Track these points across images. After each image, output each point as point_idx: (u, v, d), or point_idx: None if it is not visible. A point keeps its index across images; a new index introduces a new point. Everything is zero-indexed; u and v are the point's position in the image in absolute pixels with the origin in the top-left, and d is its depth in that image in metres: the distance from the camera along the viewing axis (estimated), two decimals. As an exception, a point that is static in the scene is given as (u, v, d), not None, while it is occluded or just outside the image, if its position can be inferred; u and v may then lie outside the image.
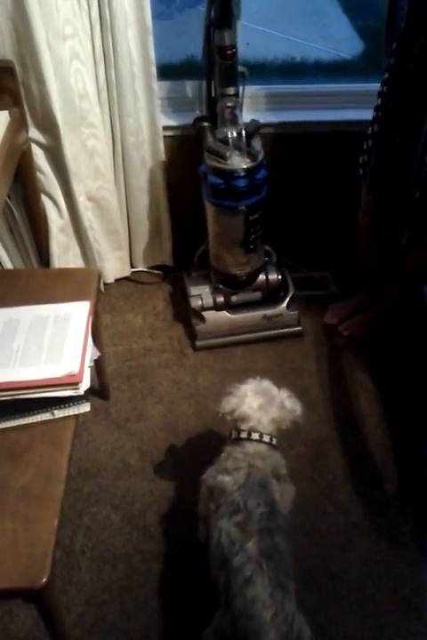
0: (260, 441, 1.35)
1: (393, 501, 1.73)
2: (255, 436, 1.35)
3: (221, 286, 2.14)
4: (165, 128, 2.06)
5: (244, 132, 1.83)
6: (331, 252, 2.43)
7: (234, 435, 1.38)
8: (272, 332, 2.17)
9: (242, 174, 1.81)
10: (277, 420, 1.38)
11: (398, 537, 1.66)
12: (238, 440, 1.36)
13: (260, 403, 1.37)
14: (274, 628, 1.09)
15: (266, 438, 1.35)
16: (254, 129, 1.88)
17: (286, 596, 1.13)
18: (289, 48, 2.65)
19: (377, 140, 1.78)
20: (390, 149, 1.73)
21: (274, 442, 1.37)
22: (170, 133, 2.12)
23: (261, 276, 2.17)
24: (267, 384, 1.43)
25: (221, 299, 2.14)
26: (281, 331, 2.16)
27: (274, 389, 1.42)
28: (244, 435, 1.35)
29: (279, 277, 2.19)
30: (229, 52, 1.76)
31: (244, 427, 1.36)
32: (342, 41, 2.91)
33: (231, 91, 1.83)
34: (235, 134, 1.83)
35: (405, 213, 1.75)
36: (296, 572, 1.24)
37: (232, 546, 1.18)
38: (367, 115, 1.80)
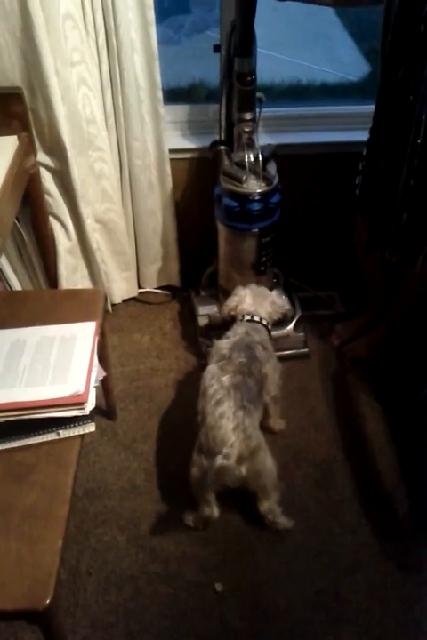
0: (258, 322, 1.71)
1: (402, 522, 1.71)
2: (256, 318, 1.72)
3: (229, 306, 2.15)
4: (172, 151, 2.09)
5: (260, 157, 1.85)
6: (338, 272, 2.44)
7: (240, 319, 1.73)
8: (279, 353, 2.15)
9: (257, 198, 1.82)
10: (270, 311, 1.76)
11: (407, 558, 1.63)
12: (241, 322, 1.71)
13: (256, 299, 1.76)
14: (234, 434, 1.39)
15: (264, 321, 1.72)
16: (270, 153, 1.90)
17: (246, 415, 1.43)
18: (296, 71, 2.69)
19: (366, 162, 1.82)
20: (376, 172, 1.76)
21: (267, 323, 1.73)
22: (177, 156, 2.14)
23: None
24: (262, 288, 1.84)
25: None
26: (288, 352, 2.16)
27: (267, 291, 1.82)
28: (247, 318, 1.71)
29: (286, 299, 2.19)
30: (248, 78, 1.80)
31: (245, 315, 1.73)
32: (349, 64, 2.95)
33: (249, 116, 1.86)
34: (251, 158, 1.85)
35: (393, 234, 1.77)
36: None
37: (212, 379, 1.49)
38: (370, 135, 1.82)
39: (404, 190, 1.68)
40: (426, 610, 1.52)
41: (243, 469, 1.43)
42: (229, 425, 1.39)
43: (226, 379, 1.48)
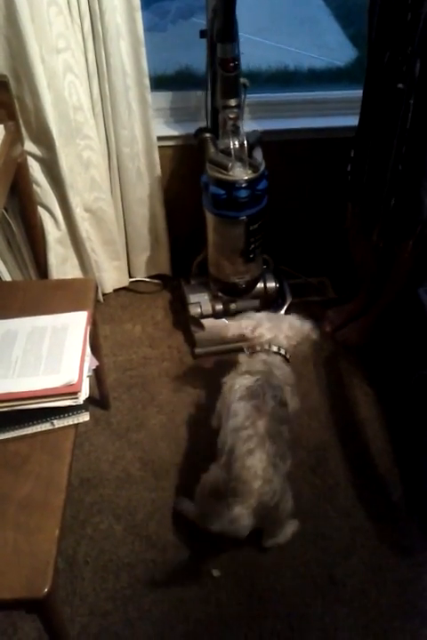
0: (277, 353, 1.56)
1: (396, 506, 1.73)
2: (274, 348, 1.56)
3: (219, 294, 2.15)
4: (161, 138, 2.08)
5: (246, 143, 1.84)
6: (328, 258, 2.44)
7: (253, 349, 1.58)
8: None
9: (244, 185, 1.81)
10: (290, 336, 1.60)
11: (401, 540, 1.65)
12: (257, 352, 1.57)
13: (274, 322, 1.62)
14: (257, 495, 1.31)
15: (282, 351, 1.57)
16: (256, 140, 1.89)
17: (275, 474, 1.34)
18: (282, 57, 2.67)
19: (355, 148, 1.83)
20: (364, 157, 1.76)
21: (287, 355, 1.58)
22: (166, 143, 2.13)
23: (260, 285, 2.18)
24: (275, 313, 1.75)
25: (219, 306, 2.14)
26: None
27: (282, 314, 1.75)
28: (266, 347, 1.56)
29: (277, 286, 2.20)
30: (231, 64, 1.77)
31: (263, 341, 1.57)
32: (336, 48, 2.93)
33: (233, 102, 1.84)
34: (237, 145, 1.84)
35: (381, 220, 1.77)
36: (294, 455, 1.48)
37: (247, 420, 1.38)
38: (360, 121, 1.82)
39: (392, 176, 1.68)
40: (421, 591, 1.54)
41: (256, 520, 1.35)
42: (256, 483, 1.31)
43: (261, 424, 1.38)
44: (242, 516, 1.28)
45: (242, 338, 1.62)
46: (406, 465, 1.82)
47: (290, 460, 1.44)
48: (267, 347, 1.56)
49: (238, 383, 1.49)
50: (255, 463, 1.32)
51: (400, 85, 1.57)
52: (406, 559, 1.61)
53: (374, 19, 1.59)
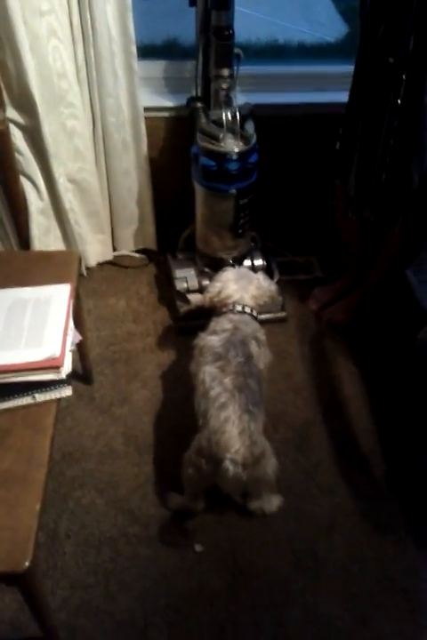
0: (243, 312, 1.60)
1: (379, 483, 1.74)
2: (238, 307, 1.61)
3: (206, 269, 2.12)
4: (147, 109, 2.03)
5: (238, 115, 1.81)
6: (316, 236, 2.43)
7: (223, 310, 1.62)
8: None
9: (235, 157, 1.79)
10: (256, 295, 1.66)
11: (383, 518, 1.66)
12: (225, 313, 1.61)
13: (240, 283, 1.65)
14: (240, 440, 1.33)
15: (247, 310, 1.62)
16: (248, 112, 1.86)
17: (252, 420, 1.37)
18: (272, 30, 2.63)
19: (345, 124, 1.81)
20: (355, 133, 1.74)
21: (254, 313, 1.63)
22: (154, 114, 2.09)
23: (247, 262, 2.16)
24: (244, 270, 1.74)
25: (206, 282, 2.11)
26: (266, 316, 2.14)
27: (251, 273, 1.72)
28: (230, 307, 1.61)
29: (264, 263, 2.18)
30: (226, 32, 1.74)
31: (229, 302, 1.62)
32: (326, 23, 2.90)
33: (226, 72, 1.81)
34: (229, 116, 1.81)
35: (372, 195, 1.76)
36: (266, 410, 1.50)
37: (213, 381, 1.43)
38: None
39: (383, 150, 1.67)
40: (401, 568, 1.56)
41: (244, 476, 1.34)
42: (235, 430, 1.33)
43: (228, 380, 1.41)
44: (234, 462, 1.29)
45: (211, 303, 1.68)
46: (389, 442, 1.83)
47: (264, 411, 1.47)
48: (231, 307, 1.61)
49: (207, 344, 1.53)
50: (230, 414, 1.35)
51: (391, 60, 1.55)
52: (388, 536, 1.62)
53: None
